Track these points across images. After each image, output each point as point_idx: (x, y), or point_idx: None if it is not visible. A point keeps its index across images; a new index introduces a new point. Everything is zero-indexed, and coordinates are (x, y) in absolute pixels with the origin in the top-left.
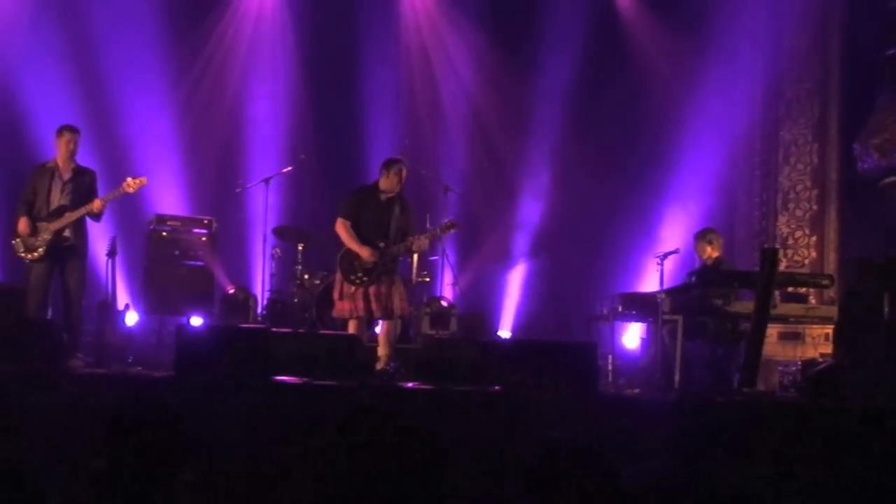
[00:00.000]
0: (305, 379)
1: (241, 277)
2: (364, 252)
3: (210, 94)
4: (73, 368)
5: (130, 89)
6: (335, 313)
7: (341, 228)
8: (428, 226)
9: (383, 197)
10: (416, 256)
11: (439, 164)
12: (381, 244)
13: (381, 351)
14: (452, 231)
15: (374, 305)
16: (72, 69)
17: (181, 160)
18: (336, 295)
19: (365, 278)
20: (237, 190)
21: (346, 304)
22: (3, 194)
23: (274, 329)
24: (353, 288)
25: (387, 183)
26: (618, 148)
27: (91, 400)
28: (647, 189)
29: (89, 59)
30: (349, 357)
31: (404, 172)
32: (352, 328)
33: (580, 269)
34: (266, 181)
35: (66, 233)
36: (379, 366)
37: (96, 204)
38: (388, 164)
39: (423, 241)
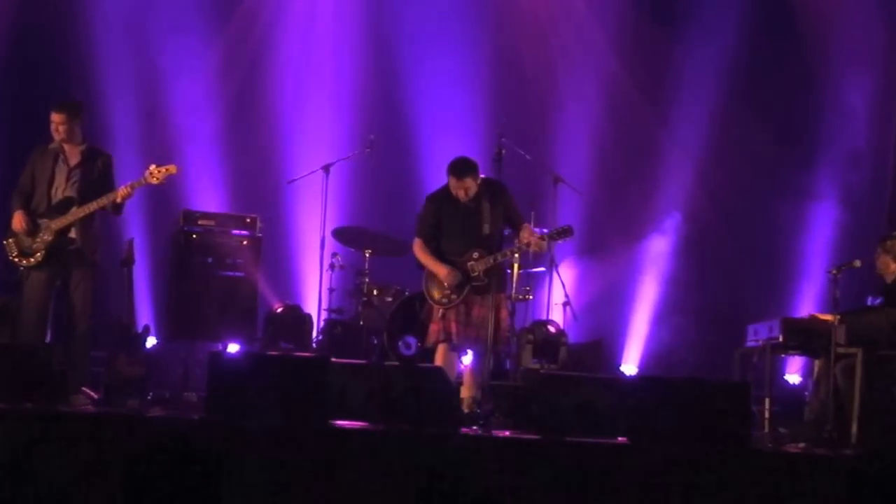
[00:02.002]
0: (373, 424)
1: (292, 292)
2: (441, 271)
3: (254, 62)
4: (75, 407)
5: (162, 62)
6: (427, 339)
7: (417, 249)
8: (533, 221)
9: (463, 200)
10: (516, 266)
11: (549, 148)
12: (476, 254)
13: (466, 392)
14: (566, 240)
15: (466, 330)
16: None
17: (218, 143)
18: (425, 314)
19: (454, 296)
20: (288, 181)
21: (435, 326)
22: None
23: (334, 359)
24: (442, 310)
25: (453, 192)
26: (780, 141)
27: (99, 448)
28: (818, 189)
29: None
30: (430, 396)
31: (469, 184)
32: (439, 357)
33: (729, 287)
34: (325, 169)
35: (72, 233)
36: (464, 409)
37: (121, 192)
38: (447, 172)
39: (535, 242)
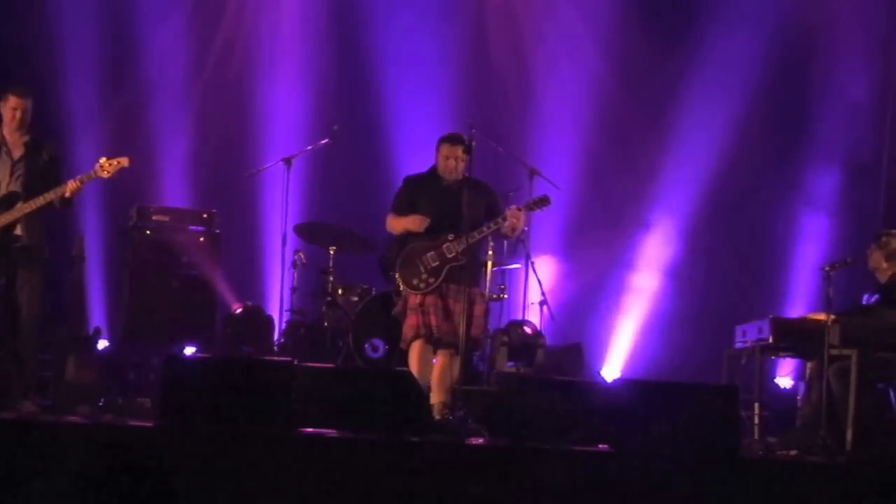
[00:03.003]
0: (339, 432)
1: (253, 292)
2: (415, 220)
3: (213, 49)
4: (22, 414)
5: (114, 48)
6: (403, 343)
7: (389, 221)
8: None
9: (445, 182)
10: (489, 263)
11: (524, 140)
12: (451, 236)
13: (436, 397)
14: (543, 209)
15: (446, 324)
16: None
17: (173, 134)
18: (400, 308)
19: (431, 279)
20: (248, 174)
21: (412, 319)
22: None
23: (297, 363)
24: (418, 297)
25: (441, 168)
26: (771, 135)
27: (47, 458)
28: (810, 185)
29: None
30: (399, 402)
31: (460, 152)
32: (415, 356)
33: (717, 285)
34: (287, 161)
35: (18, 230)
36: (435, 415)
37: (69, 186)
38: (439, 142)
39: (515, 217)
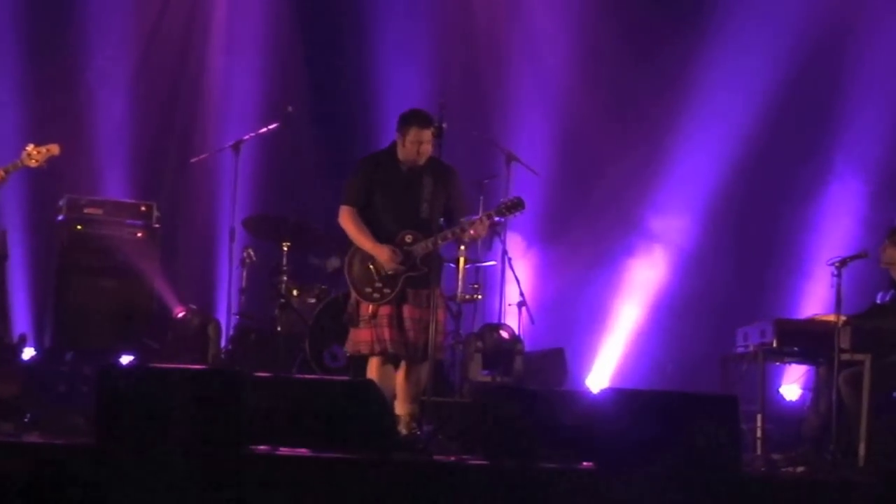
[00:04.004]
0: (294, 449)
1: (197, 294)
2: (382, 253)
3: (155, 23)
4: None
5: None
6: (347, 347)
7: (346, 219)
8: (482, 211)
9: (405, 167)
10: (462, 260)
11: (502, 123)
12: (409, 237)
13: (402, 408)
14: (517, 214)
15: (412, 337)
16: None
17: (108, 119)
18: (350, 318)
19: (387, 290)
20: (191, 161)
21: (364, 334)
22: None
23: (247, 373)
24: (371, 307)
25: (403, 152)
26: (779, 123)
27: None
28: (816, 169)
29: None
30: (361, 416)
31: (430, 137)
32: (373, 371)
33: (715, 284)
34: (235, 147)
35: None
36: (401, 430)
37: None
38: (402, 123)
39: (480, 226)
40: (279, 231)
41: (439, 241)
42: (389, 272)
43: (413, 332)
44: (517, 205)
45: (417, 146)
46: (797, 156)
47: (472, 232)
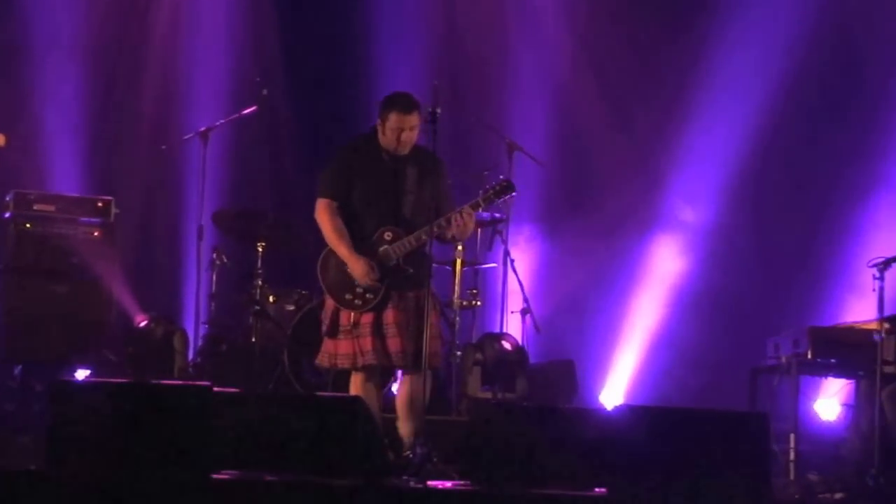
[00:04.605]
0: (270, 474)
1: (161, 300)
2: (356, 267)
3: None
4: None
5: None
6: (321, 360)
7: (323, 215)
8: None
9: (387, 156)
10: (458, 262)
11: (502, 109)
12: (388, 234)
13: (405, 427)
14: (506, 199)
15: (393, 345)
16: None
17: (61, 105)
18: (326, 328)
19: (369, 296)
20: (153, 151)
21: (345, 345)
22: None
23: (217, 388)
24: (352, 315)
25: (384, 139)
26: (816, 117)
27: None
28: (861, 171)
29: None
30: (346, 437)
31: (415, 122)
32: (356, 386)
33: (743, 289)
34: (203, 135)
35: None
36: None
37: None
38: (382, 108)
39: (464, 221)
40: (254, 229)
41: (423, 237)
42: (361, 288)
43: (401, 339)
44: (506, 188)
45: (398, 133)
46: (841, 155)
47: (456, 224)
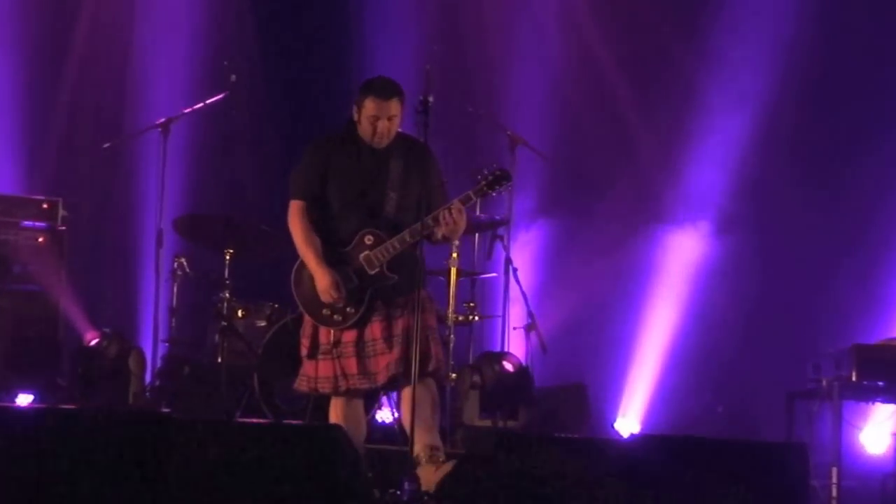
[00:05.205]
0: None
1: (114, 314)
2: (320, 280)
3: None
4: None
5: None
6: (300, 384)
7: (294, 219)
8: (479, 209)
9: (368, 149)
10: (453, 272)
11: (505, 101)
12: (369, 238)
13: (420, 442)
14: (502, 190)
15: (382, 361)
16: None
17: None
18: (307, 349)
19: (350, 310)
20: (105, 146)
21: (325, 367)
22: None
23: (177, 416)
24: (332, 333)
25: (361, 128)
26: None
27: None
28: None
29: None
30: (324, 470)
31: (394, 110)
32: (336, 413)
33: (776, 301)
34: (163, 128)
35: None
36: (426, 479)
37: None
38: (360, 93)
39: (454, 218)
40: (220, 234)
41: (408, 239)
42: (350, 285)
43: (390, 351)
44: (500, 178)
45: (373, 122)
46: (889, 158)
47: (445, 222)
